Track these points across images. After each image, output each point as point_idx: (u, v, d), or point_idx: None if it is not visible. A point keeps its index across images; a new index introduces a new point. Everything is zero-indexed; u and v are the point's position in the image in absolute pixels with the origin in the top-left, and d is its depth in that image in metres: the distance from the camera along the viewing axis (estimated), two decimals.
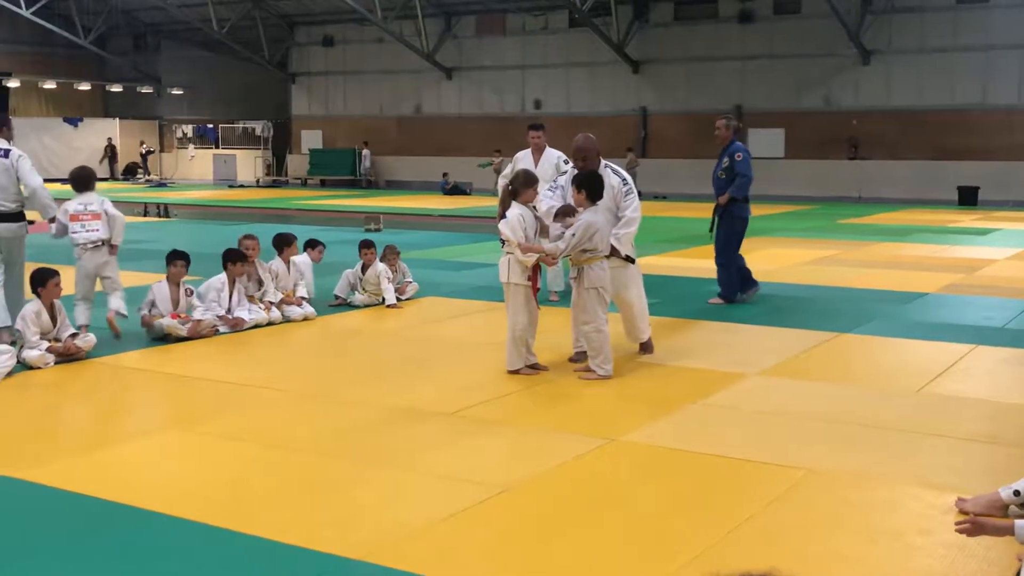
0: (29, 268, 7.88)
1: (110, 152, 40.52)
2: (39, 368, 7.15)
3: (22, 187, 8.04)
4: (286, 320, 9.06)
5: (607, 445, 5.43)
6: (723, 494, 4.71)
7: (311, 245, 10.15)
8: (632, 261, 7.63)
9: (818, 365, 7.48)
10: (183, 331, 8.13)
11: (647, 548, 4.05)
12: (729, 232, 10.24)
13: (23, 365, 7.17)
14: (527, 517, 4.40)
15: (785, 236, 17.44)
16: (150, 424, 6.05)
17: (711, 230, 10.40)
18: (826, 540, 4.16)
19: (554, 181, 8.08)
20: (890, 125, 28.67)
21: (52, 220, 8.21)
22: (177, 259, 8.38)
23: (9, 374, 6.86)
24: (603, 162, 7.62)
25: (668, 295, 10.65)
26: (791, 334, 8.57)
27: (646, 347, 7.85)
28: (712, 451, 5.32)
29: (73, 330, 7.55)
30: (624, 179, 7.58)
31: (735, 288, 10.25)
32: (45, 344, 7.28)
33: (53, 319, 7.41)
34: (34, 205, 8.12)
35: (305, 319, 9.17)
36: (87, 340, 7.54)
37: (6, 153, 7.98)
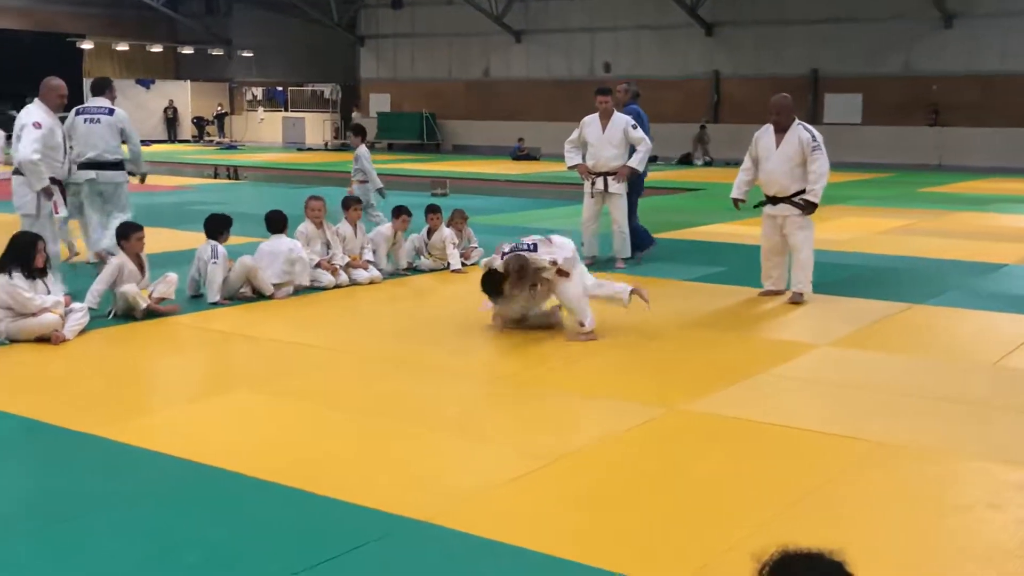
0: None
1: (171, 114, 41.14)
2: (133, 319, 7.47)
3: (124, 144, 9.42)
4: (352, 283, 9.18)
5: (669, 414, 5.43)
6: (786, 465, 4.69)
7: (396, 214, 10.03)
8: (813, 208, 8.45)
9: (891, 336, 7.38)
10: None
11: (706, 518, 4.06)
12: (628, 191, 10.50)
13: (119, 318, 7.50)
14: (586, 484, 4.43)
15: (861, 204, 17.13)
16: (220, 383, 6.20)
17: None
18: (893, 514, 4.13)
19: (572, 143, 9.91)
20: (972, 90, 27.88)
21: (143, 178, 9.73)
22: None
23: (84, 330, 7.07)
24: (797, 120, 8.51)
25: (736, 263, 10.58)
26: (864, 304, 8.47)
27: (797, 296, 8.44)
28: (776, 421, 5.30)
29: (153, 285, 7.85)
30: (813, 136, 8.40)
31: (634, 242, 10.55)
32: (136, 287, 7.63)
33: (141, 270, 7.74)
34: (133, 159, 9.57)
35: (371, 282, 9.28)
36: (172, 279, 7.81)
37: (111, 112, 9.32)
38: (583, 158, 10.32)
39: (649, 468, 4.64)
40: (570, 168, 10.50)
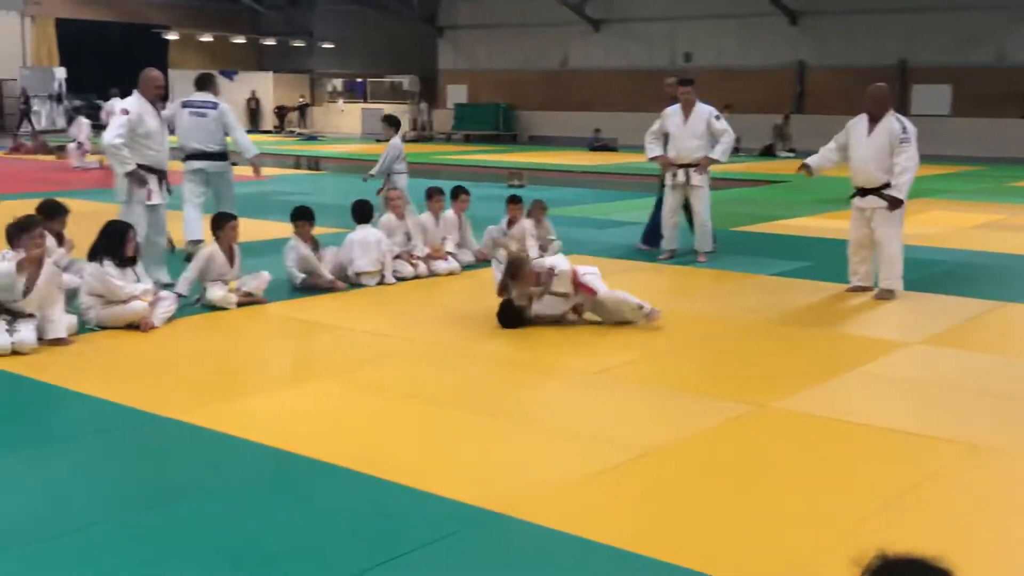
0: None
1: (254, 105, 41.78)
2: (223, 309, 7.62)
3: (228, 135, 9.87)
4: (432, 274, 9.23)
5: (756, 411, 5.36)
6: (877, 466, 4.60)
7: (429, 196, 9.91)
8: (900, 203, 8.31)
9: (983, 335, 7.20)
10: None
11: (794, 519, 3.99)
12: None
13: (206, 307, 7.66)
14: (670, 481, 4.40)
15: (949, 198, 16.71)
16: (302, 371, 6.29)
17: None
18: (986, 519, 4.02)
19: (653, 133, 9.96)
20: None
21: (257, 169, 10.05)
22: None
23: (172, 318, 7.23)
24: (892, 112, 8.36)
25: (822, 258, 10.39)
26: (954, 302, 8.26)
27: (885, 293, 8.30)
28: (866, 421, 5.20)
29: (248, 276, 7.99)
30: (904, 128, 8.27)
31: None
32: (225, 286, 7.77)
33: (231, 261, 7.86)
34: (240, 150, 9.97)
35: (450, 273, 9.32)
36: (264, 277, 7.98)
37: (215, 105, 9.83)
38: (664, 149, 10.24)
39: (735, 466, 4.58)
40: (651, 159, 10.42)
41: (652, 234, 10.86)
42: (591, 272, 7.37)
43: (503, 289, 7.29)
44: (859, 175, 8.47)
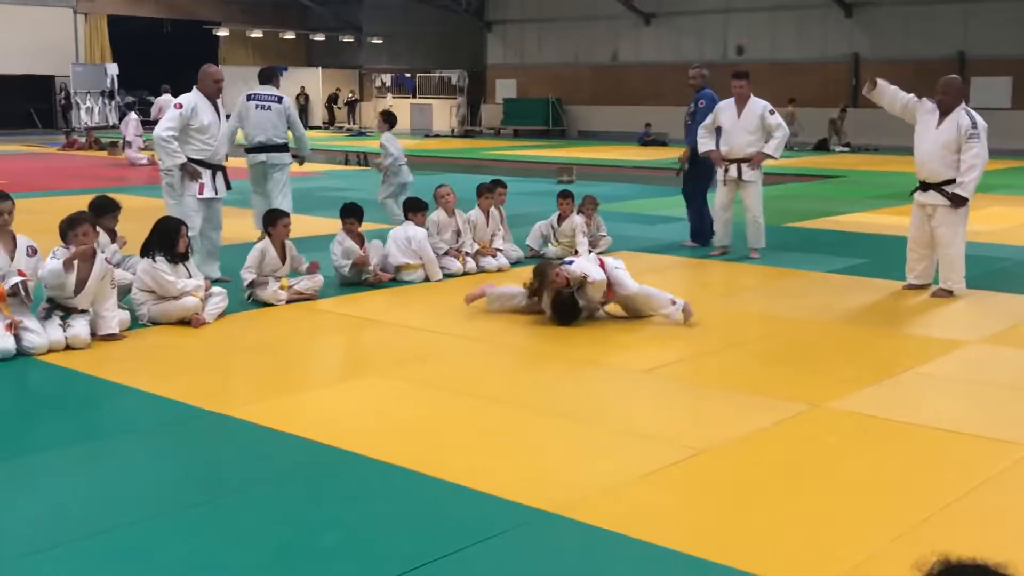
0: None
1: (303, 101, 42.10)
2: (272, 305, 7.69)
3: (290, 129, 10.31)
4: (480, 271, 9.25)
5: (810, 411, 5.31)
6: (935, 469, 4.53)
7: (491, 188, 9.84)
8: (964, 202, 8.13)
9: None
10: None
11: (850, 522, 3.94)
12: (701, 180, 10.86)
13: (256, 303, 7.75)
14: (725, 481, 4.37)
15: (1011, 193, 16.43)
16: (351, 367, 6.35)
17: (678, 173, 11.11)
18: None
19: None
20: None
21: (302, 161, 10.59)
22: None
23: (223, 314, 7.31)
24: (963, 105, 8.18)
25: (878, 255, 10.26)
26: (1016, 300, 8.12)
27: (942, 293, 8.17)
28: (924, 422, 5.12)
29: (307, 264, 8.05)
30: (974, 123, 8.05)
31: (700, 229, 10.77)
32: (276, 283, 7.82)
33: (282, 258, 7.92)
34: (299, 144, 10.49)
35: (499, 270, 9.33)
36: (316, 281, 8.03)
37: (280, 99, 10.28)
38: (716, 145, 10.17)
39: (790, 466, 4.54)
40: (703, 154, 10.35)
41: (698, 232, 10.89)
42: (618, 267, 7.31)
43: (534, 293, 7.26)
44: (923, 168, 8.28)
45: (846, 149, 28.44)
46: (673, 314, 7.15)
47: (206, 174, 8.50)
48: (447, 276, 8.96)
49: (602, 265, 7.25)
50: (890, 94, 8.48)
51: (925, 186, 8.28)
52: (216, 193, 8.59)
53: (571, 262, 7.32)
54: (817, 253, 10.45)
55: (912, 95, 8.44)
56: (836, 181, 19.30)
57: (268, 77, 10.50)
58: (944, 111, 8.18)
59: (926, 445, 4.84)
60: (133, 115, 23.20)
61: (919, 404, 5.49)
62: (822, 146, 28.61)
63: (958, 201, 8.11)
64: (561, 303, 7.13)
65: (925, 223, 8.34)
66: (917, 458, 4.67)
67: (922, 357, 6.39)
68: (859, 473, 4.47)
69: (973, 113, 8.16)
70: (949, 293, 8.16)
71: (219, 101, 8.63)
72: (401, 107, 41.71)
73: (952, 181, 8.11)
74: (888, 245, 10.76)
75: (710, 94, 10.79)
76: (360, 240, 8.66)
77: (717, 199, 10.23)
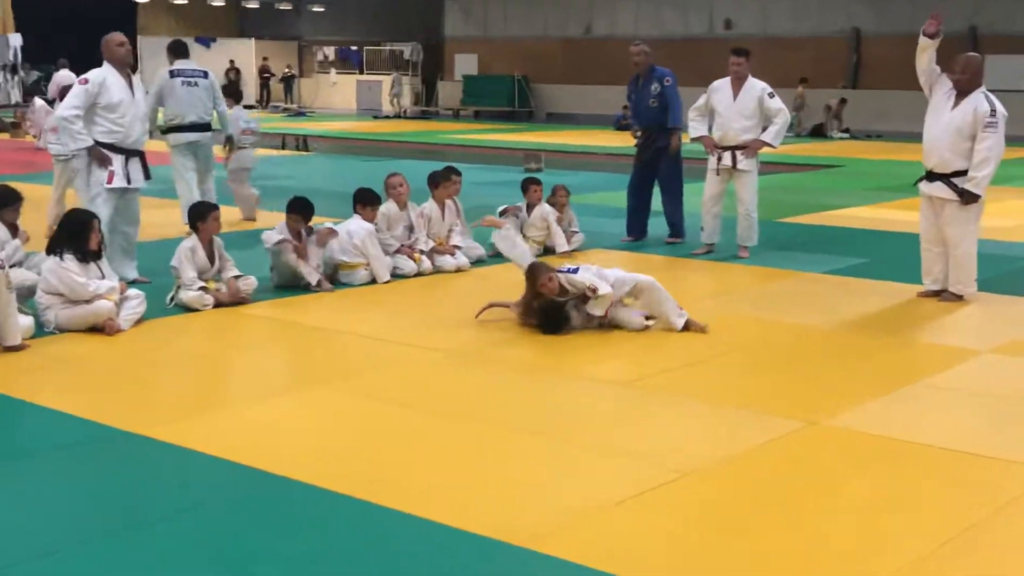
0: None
1: (234, 76, 41.80)
2: (197, 310, 7.59)
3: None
4: (436, 271, 9.23)
5: (808, 428, 5.35)
6: (945, 493, 4.58)
7: (445, 177, 9.79)
8: (975, 199, 8.10)
9: None
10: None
11: (851, 551, 3.98)
12: (673, 168, 11.05)
13: (179, 307, 7.64)
14: (713, 505, 4.39)
15: None
16: (288, 380, 6.30)
17: (647, 165, 11.14)
18: None
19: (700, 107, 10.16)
20: None
21: (232, 144, 11.48)
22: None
23: (140, 320, 7.23)
24: (983, 88, 8.11)
25: (881, 254, 10.36)
26: None
27: (952, 297, 8.20)
28: (932, 442, 5.18)
29: (236, 271, 7.95)
30: (993, 109, 7.99)
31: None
32: (199, 284, 7.72)
33: (211, 257, 7.83)
34: (224, 124, 11.17)
35: (458, 270, 9.32)
36: (249, 283, 7.93)
37: (205, 74, 10.76)
38: (709, 129, 10.22)
39: (786, 490, 4.57)
40: (694, 140, 10.41)
41: (631, 223, 11.15)
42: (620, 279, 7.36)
43: (527, 313, 7.23)
44: (930, 154, 8.25)
45: (845, 135, 28.70)
46: (678, 325, 7.19)
47: (117, 160, 8.36)
48: (399, 277, 8.93)
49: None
50: (932, 52, 8.31)
51: (932, 176, 8.25)
52: (130, 182, 8.44)
53: (575, 270, 7.28)
54: (813, 252, 10.53)
55: (936, 66, 8.35)
56: (834, 171, 19.48)
57: (184, 50, 10.87)
58: (961, 92, 8.10)
59: (935, 466, 4.89)
60: (39, 101, 22.86)
61: (927, 421, 5.54)
62: (819, 132, 28.87)
63: (969, 198, 8.06)
64: (546, 310, 7.12)
65: (934, 217, 8.32)
66: (925, 481, 4.71)
67: (930, 368, 6.46)
68: (861, 497, 4.50)
69: (993, 98, 8.07)
70: (959, 297, 8.21)
71: (135, 78, 8.52)
72: (346, 84, 41.62)
73: (963, 173, 8.05)
74: (892, 243, 10.87)
75: (666, 72, 11.00)
76: (300, 238, 8.55)
77: (707, 190, 10.27)
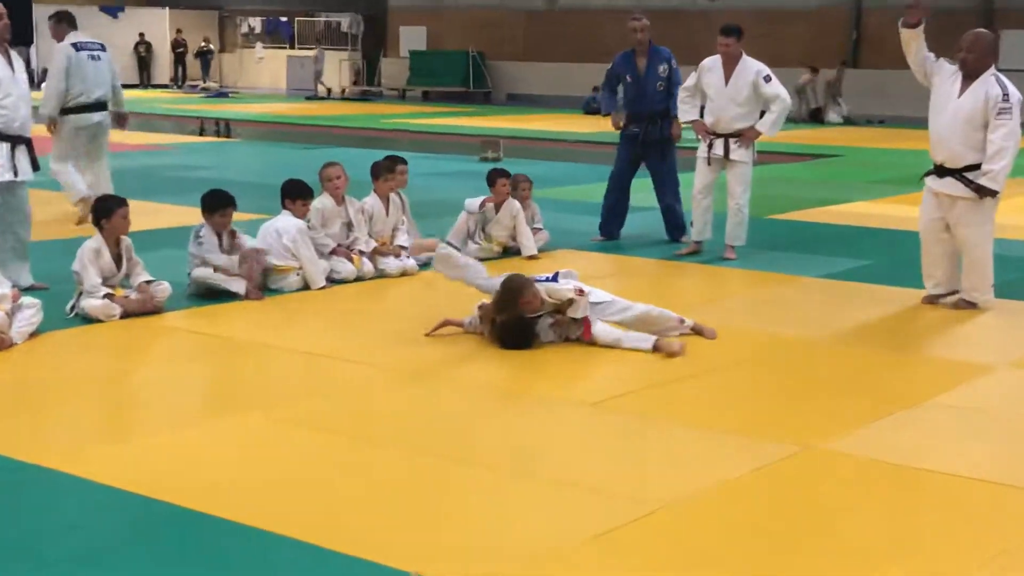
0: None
1: (144, 51, 41.51)
2: (101, 321, 7.52)
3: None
4: (380, 275, 9.21)
5: (802, 454, 5.39)
6: (957, 526, 4.63)
7: (389, 168, 9.79)
8: (993, 195, 8.11)
9: None
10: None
11: None
12: (673, 159, 11.15)
13: (82, 317, 7.57)
14: (692, 543, 4.41)
15: None
16: (211, 405, 6.27)
17: (639, 157, 11.12)
18: None
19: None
20: None
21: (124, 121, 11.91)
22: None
23: (36, 332, 7.17)
24: (993, 69, 8.10)
25: (885, 255, 10.45)
26: None
27: (965, 304, 8.29)
28: (943, 468, 5.23)
29: (147, 276, 7.89)
30: (1006, 93, 7.98)
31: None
32: (104, 290, 7.64)
33: (117, 260, 7.77)
34: (118, 101, 11.59)
35: (404, 274, 9.30)
36: (161, 289, 7.87)
37: (103, 47, 11.26)
38: (701, 113, 10.28)
39: (777, 524, 4.60)
40: (685, 124, 10.48)
41: (608, 222, 11.19)
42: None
43: (494, 328, 7.18)
44: (939, 148, 8.26)
45: (842, 121, 28.86)
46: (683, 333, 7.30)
47: (2, 149, 8.24)
48: (337, 282, 8.90)
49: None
50: (921, 42, 8.34)
51: (942, 171, 8.24)
52: (16, 175, 8.34)
53: (554, 278, 7.28)
54: (810, 253, 10.62)
55: (930, 53, 8.43)
56: (832, 162, 19.63)
57: (74, 21, 11.30)
58: (969, 75, 8.08)
59: (947, 497, 4.94)
60: None
61: (937, 445, 5.59)
62: (815, 117, 29.09)
63: (985, 194, 8.06)
64: (511, 327, 7.08)
65: (939, 215, 8.32)
66: (935, 512, 4.76)
67: (941, 385, 6.52)
68: (863, 532, 4.54)
69: (1005, 81, 8.07)
70: (972, 305, 8.28)
71: (14, 53, 8.40)
72: (275, 60, 41.50)
73: (977, 167, 8.04)
74: (897, 243, 10.97)
75: (669, 51, 11.08)
76: (232, 237, 8.52)
77: (697, 181, 10.33)
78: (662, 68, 10.91)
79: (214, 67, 42.59)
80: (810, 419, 5.93)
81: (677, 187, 11.11)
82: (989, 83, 8.03)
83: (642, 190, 11.45)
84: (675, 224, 11.06)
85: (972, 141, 8.07)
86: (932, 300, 8.45)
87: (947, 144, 8.19)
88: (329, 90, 38.08)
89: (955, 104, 8.12)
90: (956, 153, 8.15)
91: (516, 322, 7.09)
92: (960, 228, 8.22)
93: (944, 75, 8.25)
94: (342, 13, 40.12)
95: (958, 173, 8.14)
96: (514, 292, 7.06)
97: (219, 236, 8.42)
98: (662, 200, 11.11)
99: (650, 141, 10.97)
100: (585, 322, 7.17)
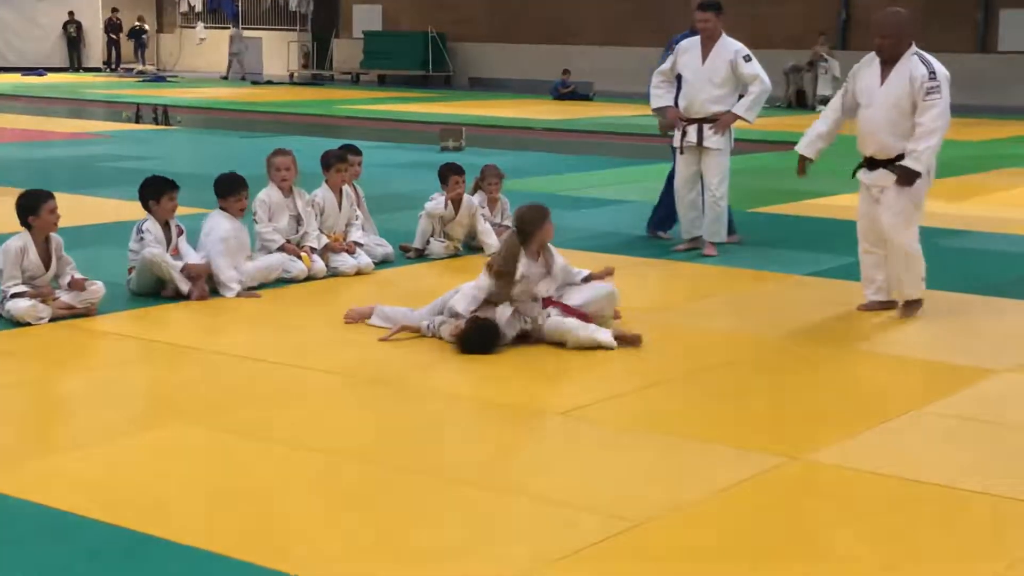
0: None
1: (74, 32, 41.20)
2: (28, 325, 7.46)
3: None
4: (332, 274, 9.19)
5: (787, 465, 5.41)
6: (956, 543, 4.66)
7: (340, 158, 9.76)
8: (915, 177, 7.98)
9: None
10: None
11: None
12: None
13: (7, 320, 7.51)
14: (671, 562, 4.42)
15: None
16: (149, 415, 6.23)
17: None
18: None
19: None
20: None
21: None
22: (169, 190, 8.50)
23: None
24: (913, 48, 8.05)
25: None
26: None
27: (908, 308, 8.16)
28: (939, 480, 5.25)
29: (77, 274, 7.84)
30: (933, 72, 7.92)
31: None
32: (24, 289, 7.58)
33: (46, 259, 7.70)
34: None
35: (359, 272, 9.28)
36: (94, 290, 7.82)
37: None
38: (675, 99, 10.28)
39: (762, 540, 4.62)
40: (656, 111, 10.48)
41: (665, 217, 11.01)
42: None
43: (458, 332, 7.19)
44: (868, 140, 8.19)
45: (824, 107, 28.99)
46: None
47: None
48: (287, 282, 8.85)
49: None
50: (830, 132, 8.48)
51: (873, 163, 8.18)
52: None
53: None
54: (795, 249, 10.68)
55: (838, 94, 8.55)
56: None
57: None
58: (887, 60, 8.07)
59: (943, 511, 4.96)
60: None
61: (931, 456, 5.62)
62: (800, 101, 29.20)
63: (907, 177, 7.96)
64: (474, 326, 7.10)
65: (875, 211, 8.25)
66: (930, 529, 4.79)
67: (934, 392, 6.56)
68: (852, 548, 4.56)
69: (929, 58, 8.05)
70: (916, 306, 8.17)
71: None
72: (218, 41, 41.27)
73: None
74: None
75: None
76: (179, 233, 8.47)
77: (678, 174, 10.37)
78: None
79: (151, 49, 42.33)
80: (797, 427, 5.96)
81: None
82: (912, 64, 7.99)
83: (614, 182, 11.46)
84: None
85: (902, 129, 8.01)
86: (872, 307, 8.33)
87: (876, 136, 8.14)
88: (332, 74, 38.00)
89: (880, 93, 8.08)
90: (886, 144, 8.09)
91: (484, 323, 7.11)
92: (885, 217, 8.11)
93: (862, 70, 8.27)
94: None
95: (891, 164, 8.08)
96: (544, 210, 7.44)
97: (166, 228, 8.36)
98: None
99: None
100: (547, 301, 7.27)
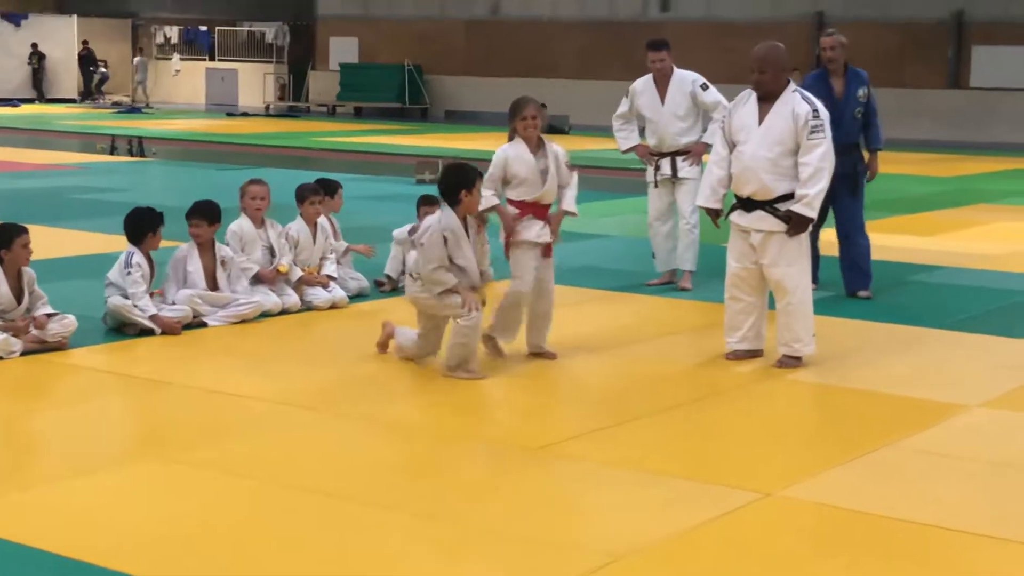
0: None
1: (36, 63, 41.15)
2: (1, 359, 7.42)
3: None
4: (307, 308, 9.17)
5: (760, 502, 5.40)
6: None
7: (312, 193, 9.73)
8: (808, 224, 7.70)
9: None
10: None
11: None
12: (862, 195, 10.38)
13: None
14: None
15: (1019, 203, 17.04)
16: (120, 449, 6.21)
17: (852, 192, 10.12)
18: None
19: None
20: None
21: None
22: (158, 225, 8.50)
23: None
24: (793, 85, 7.81)
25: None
26: None
27: (792, 360, 7.73)
28: (914, 517, 5.25)
29: (49, 309, 7.79)
30: (815, 110, 7.63)
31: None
32: None
33: (18, 294, 7.66)
34: None
35: (333, 306, 9.27)
36: (65, 324, 7.78)
37: None
38: (641, 135, 10.35)
39: (741, 574, 4.61)
40: (625, 152, 10.56)
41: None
42: None
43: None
44: (745, 180, 7.76)
45: None
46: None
47: None
48: (262, 315, 8.83)
49: None
50: (728, 173, 7.91)
51: (750, 204, 7.78)
52: None
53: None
54: None
55: (717, 144, 8.19)
56: None
57: None
58: (765, 96, 7.74)
59: (922, 549, 4.96)
60: None
61: (910, 492, 5.61)
62: None
63: (799, 225, 7.63)
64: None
65: (748, 257, 7.83)
66: (911, 568, 4.77)
67: (910, 427, 6.56)
68: None
69: (810, 96, 7.81)
70: (797, 360, 7.78)
71: None
72: (193, 73, 41.30)
73: (790, 196, 7.64)
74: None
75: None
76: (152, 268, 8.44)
77: (652, 208, 10.41)
78: (861, 92, 10.15)
79: (125, 80, 42.29)
80: (770, 463, 5.95)
81: (863, 229, 10.35)
82: (794, 101, 7.69)
83: (591, 215, 11.44)
84: (864, 270, 10.19)
85: (782, 169, 7.68)
86: (739, 355, 7.94)
87: (754, 175, 7.73)
88: (308, 106, 38.03)
89: (758, 133, 7.72)
90: (765, 184, 7.70)
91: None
92: (775, 268, 7.72)
93: (738, 107, 7.90)
94: (267, 22, 40.04)
95: (769, 205, 7.71)
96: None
97: (151, 263, 8.35)
98: (849, 242, 10.24)
99: (840, 174, 9.31)
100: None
